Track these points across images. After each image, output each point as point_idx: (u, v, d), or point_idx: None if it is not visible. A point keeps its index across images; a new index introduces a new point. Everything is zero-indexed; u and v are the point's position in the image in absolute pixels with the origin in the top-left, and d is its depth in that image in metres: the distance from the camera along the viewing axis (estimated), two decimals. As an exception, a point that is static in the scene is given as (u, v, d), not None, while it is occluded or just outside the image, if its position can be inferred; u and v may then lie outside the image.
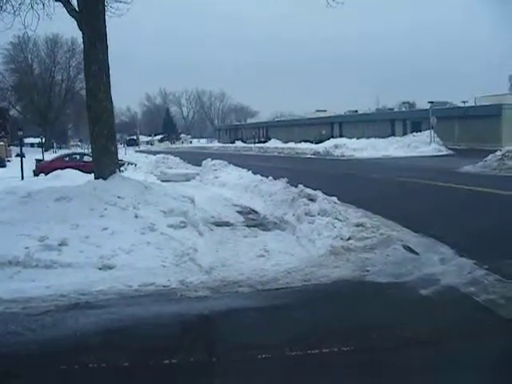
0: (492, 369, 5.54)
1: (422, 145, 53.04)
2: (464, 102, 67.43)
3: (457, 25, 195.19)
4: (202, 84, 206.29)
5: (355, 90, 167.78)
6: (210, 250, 10.74)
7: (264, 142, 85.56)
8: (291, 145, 69.55)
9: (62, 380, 5.61)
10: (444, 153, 49.33)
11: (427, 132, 55.87)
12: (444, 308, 7.44)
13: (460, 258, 9.58)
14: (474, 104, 67.36)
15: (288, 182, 17.38)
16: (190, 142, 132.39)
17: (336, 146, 54.82)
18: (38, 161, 38.58)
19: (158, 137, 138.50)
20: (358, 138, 60.78)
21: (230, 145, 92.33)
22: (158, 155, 50.14)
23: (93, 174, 14.26)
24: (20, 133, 40.99)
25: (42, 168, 32.06)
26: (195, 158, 43.15)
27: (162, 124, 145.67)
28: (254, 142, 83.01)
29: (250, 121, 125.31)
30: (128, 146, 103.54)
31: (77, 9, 14.00)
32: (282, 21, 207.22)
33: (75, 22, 14.08)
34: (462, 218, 14.09)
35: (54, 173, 22.43)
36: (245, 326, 7.04)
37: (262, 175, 21.33)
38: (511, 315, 6.95)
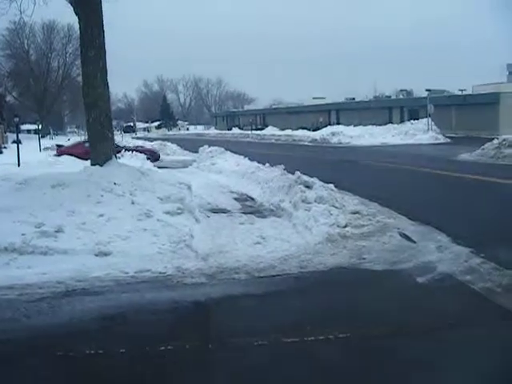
0: (488, 356, 5.55)
1: (420, 132, 52.93)
2: (462, 91, 67.27)
3: (456, 14, 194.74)
4: (200, 71, 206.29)
5: (353, 77, 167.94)
6: (206, 237, 10.74)
7: (261, 129, 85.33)
8: (288, 132, 69.34)
9: (59, 366, 5.62)
10: (441, 141, 49.25)
11: (424, 120, 55.79)
12: (440, 296, 7.46)
13: (456, 246, 9.60)
14: (471, 92, 67.27)
15: (285, 169, 17.34)
16: (187, 129, 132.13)
17: (333, 134, 54.71)
18: (58, 146, 38.63)
19: (155, 123, 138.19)
20: (355, 126, 60.61)
21: (227, 132, 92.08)
22: (154, 142, 50.09)
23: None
24: (16, 119, 40.80)
25: (62, 152, 32.08)
26: (192, 145, 43.13)
27: (159, 111, 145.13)
28: (251, 129, 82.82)
29: (247, 108, 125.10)
30: (125, 132, 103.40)
31: (72, -6, 13.91)
32: (281, 11, 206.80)
33: (71, 8, 14.00)
34: (459, 206, 14.11)
35: (50, 159, 22.44)
36: (241, 313, 7.07)
37: (258, 162, 21.33)
38: (507, 303, 6.97)
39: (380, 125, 59.27)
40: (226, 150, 28.45)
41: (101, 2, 13.99)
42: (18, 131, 38.55)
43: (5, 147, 53.65)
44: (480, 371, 5.24)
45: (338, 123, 72.69)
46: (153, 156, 31.75)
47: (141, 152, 31.55)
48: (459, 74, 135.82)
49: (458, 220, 12.15)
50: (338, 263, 9.05)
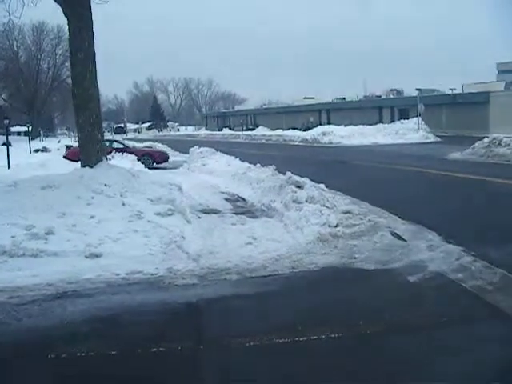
0: (479, 354, 5.57)
1: (410, 132, 53.03)
2: (452, 90, 67.47)
3: (445, 14, 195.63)
4: (190, 72, 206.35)
5: (343, 77, 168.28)
6: (197, 238, 10.73)
7: (252, 130, 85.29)
8: (279, 132, 69.23)
9: (51, 369, 5.60)
10: (432, 140, 49.37)
11: (415, 119, 55.90)
12: (432, 294, 7.48)
13: (447, 245, 9.62)
14: (461, 91, 67.49)
15: (276, 169, 17.38)
16: (178, 130, 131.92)
17: (324, 134, 54.71)
18: (67, 147, 38.53)
19: (146, 124, 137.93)
20: (345, 126, 60.62)
21: (218, 132, 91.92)
22: (145, 143, 49.99)
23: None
24: (6, 121, 40.68)
25: (72, 154, 32.02)
26: (183, 146, 43.06)
27: (150, 112, 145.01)
28: (242, 130, 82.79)
29: (237, 108, 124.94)
30: (115, 133, 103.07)
31: (61, -5, 13.85)
32: (271, 10, 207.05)
33: (60, 9, 13.94)
34: (450, 205, 14.13)
35: (40, 161, 22.40)
36: (233, 314, 7.06)
37: (249, 162, 21.33)
38: (498, 301, 7.00)
39: (370, 124, 59.30)
40: (217, 150, 28.43)
41: (90, 3, 13.95)
42: (8, 133, 38.39)
43: (-5, 149, 53.46)
44: (471, 368, 5.25)
45: (329, 123, 72.67)
46: (161, 157, 31.67)
47: (150, 154, 31.48)
48: (450, 73, 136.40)
49: (449, 219, 12.18)
50: (329, 263, 9.06)
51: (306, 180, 14.14)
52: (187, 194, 15.53)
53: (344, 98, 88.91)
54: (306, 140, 55.01)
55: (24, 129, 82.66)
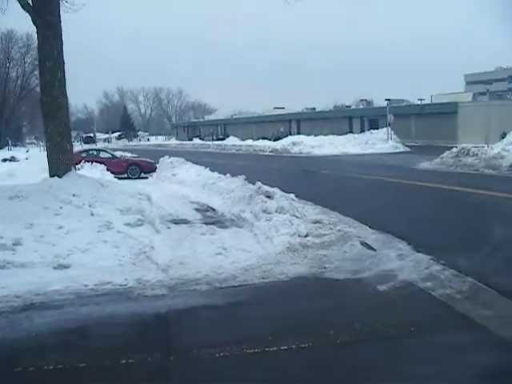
0: (448, 362, 5.59)
1: (380, 142, 53.47)
2: (421, 100, 68.21)
3: (415, 25, 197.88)
4: (160, 81, 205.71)
5: (313, 87, 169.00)
6: (167, 248, 10.67)
7: (222, 140, 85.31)
8: (249, 142, 69.42)
9: (17, 383, 5.52)
10: (401, 150, 49.84)
11: (384, 129, 56.42)
12: (401, 303, 7.52)
13: (417, 254, 9.70)
14: (430, 102, 68.21)
15: (246, 180, 17.38)
16: (148, 140, 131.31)
17: (294, 144, 54.92)
18: None
19: (116, 134, 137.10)
20: (315, 136, 60.93)
21: (188, 142, 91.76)
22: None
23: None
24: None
25: None
26: (153, 156, 42.74)
27: (120, 121, 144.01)
28: (212, 140, 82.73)
29: (207, 118, 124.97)
30: (85, 143, 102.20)
31: (30, 3, 13.73)
32: (242, 20, 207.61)
33: (29, 17, 13.83)
34: (419, 214, 14.27)
35: (8, 171, 22.12)
36: (202, 325, 7.02)
37: (219, 172, 21.33)
38: (467, 310, 7.06)
39: (340, 134, 59.73)
40: (187, 160, 28.38)
41: (59, 11, 13.85)
42: (-25, 143, 37.96)
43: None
44: (440, 377, 5.28)
45: (299, 133, 72.94)
46: (149, 167, 31.44)
47: (137, 163, 31.26)
48: (419, 84, 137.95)
49: (419, 228, 12.28)
50: (299, 273, 9.06)
51: (276, 190, 14.16)
52: (157, 204, 15.44)
53: (314, 108, 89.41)
54: (276, 150, 55.19)
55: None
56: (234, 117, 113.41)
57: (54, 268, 9.17)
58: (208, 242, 11.22)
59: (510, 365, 5.56)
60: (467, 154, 28.51)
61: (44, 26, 13.51)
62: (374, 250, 10.32)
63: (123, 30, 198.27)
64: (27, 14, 13.78)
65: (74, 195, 11.92)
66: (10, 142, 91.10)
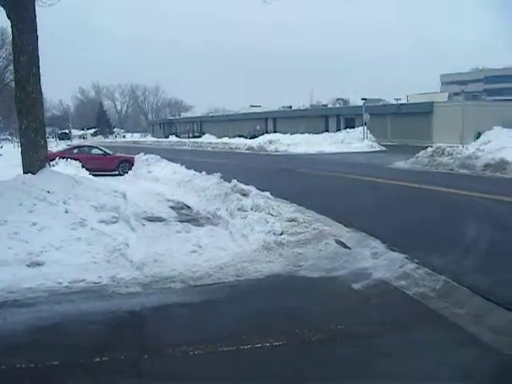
0: (422, 360, 5.64)
1: (355, 141, 53.74)
2: (397, 100, 68.61)
3: (391, 25, 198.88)
4: (136, 78, 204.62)
5: (290, 86, 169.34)
6: (141, 246, 10.60)
7: (198, 137, 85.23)
8: (225, 140, 69.45)
9: (-11, 380, 5.47)
10: (377, 149, 50.13)
11: (360, 128, 56.72)
12: (375, 302, 7.54)
13: (391, 252, 9.77)
14: (406, 102, 68.62)
15: (221, 177, 17.36)
16: (124, 137, 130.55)
17: (270, 142, 55.00)
18: None
19: (91, 131, 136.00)
20: (291, 134, 61.05)
21: (164, 139, 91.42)
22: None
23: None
24: None
25: (50, 157, 31.32)
26: (128, 153, 42.51)
27: (96, 118, 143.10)
28: (188, 137, 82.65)
29: (184, 115, 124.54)
30: (60, 139, 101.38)
31: (4, -4, 13.59)
32: (214, 17, 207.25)
33: (3, 11, 13.68)
34: (394, 213, 14.36)
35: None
36: (177, 322, 7.01)
37: (195, 170, 21.28)
38: (440, 308, 7.12)
39: (317, 133, 59.95)
40: (163, 157, 28.28)
41: (34, 5, 13.72)
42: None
43: None
44: (412, 374, 5.32)
45: (275, 131, 73.05)
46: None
47: (128, 160, 30.95)
48: (396, 84, 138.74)
49: (393, 227, 12.35)
50: (274, 271, 9.08)
51: (252, 188, 14.17)
52: (132, 201, 15.37)
53: (290, 107, 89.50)
54: (253, 148, 55.22)
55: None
56: (211, 114, 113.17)
57: (28, 265, 9.08)
58: (183, 240, 11.18)
59: (482, 361, 5.62)
60: (442, 154, 28.76)
61: (18, 20, 13.37)
62: (349, 248, 10.36)
63: (100, 26, 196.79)
64: (1, 8, 13.64)
65: (48, 192, 11.82)
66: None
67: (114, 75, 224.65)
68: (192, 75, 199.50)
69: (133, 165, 29.76)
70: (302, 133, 61.01)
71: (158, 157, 28.20)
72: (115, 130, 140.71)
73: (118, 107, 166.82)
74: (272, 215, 12.22)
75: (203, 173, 19.96)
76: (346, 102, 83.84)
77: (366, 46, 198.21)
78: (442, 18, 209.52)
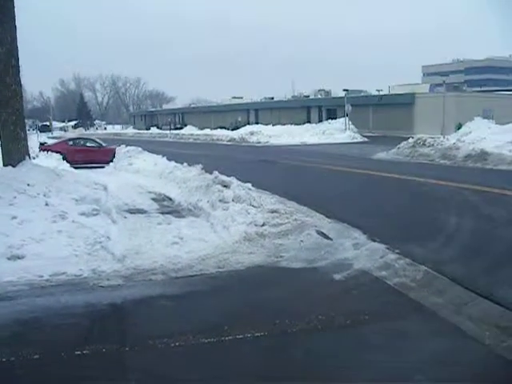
0: (402, 350, 5.68)
1: (337, 132, 53.88)
2: (378, 91, 68.78)
3: (372, 16, 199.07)
4: (118, 69, 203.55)
5: (272, 77, 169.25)
6: (123, 238, 10.56)
7: (180, 129, 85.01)
8: (207, 131, 69.31)
9: (-31, 375, 5.44)
10: (359, 140, 50.29)
11: (342, 119, 56.89)
12: (356, 292, 7.58)
13: (372, 243, 9.80)
14: (388, 93, 68.81)
15: (203, 169, 17.35)
16: (105, 129, 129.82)
17: (252, 133, 55.03)
18: (41, 144, 37.53)
19: (72, 123, 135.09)
20: (273, 125, 61.14)
21: (146, 131, 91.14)
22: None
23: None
24: None
25: (45, 149, 31.23)
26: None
27: (76, 110, 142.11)
28: (170, 129, 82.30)
29: (165, 107, 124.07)
30: (41, 132, 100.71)
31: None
32: (198, 10, 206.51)
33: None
34: (375, 204, 14.41)
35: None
36: (158, 314, 7.00)
37: (177, 162, 21.24)
38: (421, 298, 7.17)
39: (298, 124, 60.04)
40: (144, 149, 28.19)
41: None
42: None
43: None
44: (393, 363, 5.35)
45: (257, 123, 73.04)
46: None
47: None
48: (377, 75, 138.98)
49: (375, 217, 12.39)
50: (255, 262, 9.10)
51: (233, 179, 14.17)
52: (113, 193, 15.33)
53: (272, 98, 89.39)
54: (234, 139, 55.23)
55: None
56: (192, 106, 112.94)
57: (8, 259, 9.02)
58: (164, 232, 11.16)
59: (461, 350, 5.67)
60: (423, 145, 28.90)
61: (-4, 10, 13.25)
62: (330, 239, 10.39)
63: (81, 17, 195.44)
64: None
65: (28, 185, 11.77)
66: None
67: (95, 66, 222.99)
68: (174, 67, 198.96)
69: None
70: (283, 124, 61.10)
71: (140, 149, 28.11)
72: (96, 121, 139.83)
73: (99, 99, 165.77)
74: (253, 206, 12.23)
75: (185, 164, 19.95)
76: (327, 93, 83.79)
77: (348, 37, 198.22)
78: (425, 9, 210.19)
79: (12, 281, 8.15)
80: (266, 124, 63.68)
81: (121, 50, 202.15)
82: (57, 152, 28.60)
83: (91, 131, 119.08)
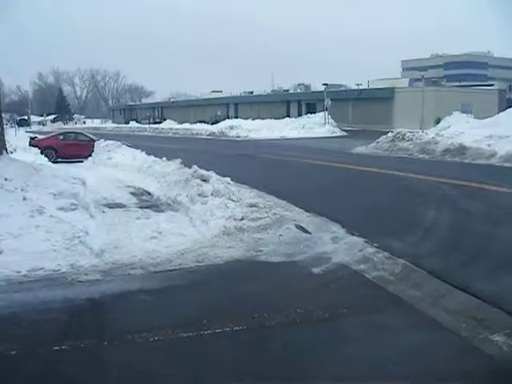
0: (379, 343, 5.72)
1: (317, 126, 53.97)
2: (358, 85, 68.98)
3: (354, 9, 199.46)
4: (97, 63, 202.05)
5: (251, 71, 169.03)
6: (101, 233, 10.51)
7: (159, 123, 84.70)
8: (186, 125, 69.21)
9: None
10: (338, 134, 50.44)
11: (322, 113, 56.96)
12: (335, 285, 7.63)
13: (351, 237, 9.84)
14: (367, 87, 69.03)
15: (182, 163, 17.31)
16: (84, 123, 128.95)
17: (231, 127, 55.02)
18: (31, 138, 37.28)
19: (51, 117, 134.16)
20: (253, 119, 61.13)
21: (125, 125, 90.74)
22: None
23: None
24: None
25: (35, 145, 31.01)
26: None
27: (55, 104, 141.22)
28: (149, 123, 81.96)
29: (144, 101, 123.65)
30: (19, 126, 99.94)
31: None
32: (179, 3, 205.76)
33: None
34: (354, 198, 14.47)
35: None
36: (137, 309, 6.99)
37: (156, 156, 21.18)
38: (399, 291, 7.22)
39: (278, 118, 60.05)
40: (123, 143, 28.05)
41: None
42: None
43: None
44: (371, 356, 5.38)
45: (237, 117, 72.96)
46: None
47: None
48: (357, 69, 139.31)
49: (353, 211, 12.44)
50: (234, 256, 9.11)
51: (212, 174, 14.15)
52: (91, 188, 15.25)
53: (252, 92, 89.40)
54: (214, 133, 55.21)
55: None
56: (172, 100, 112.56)
57: (-15, 254, 8.97)
58: (143, 226, 11.12)
59: (438, 343, 5.72)
60: (402, 139, 29.03)
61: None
62: (309, 233, 10.42)
63: (59, 10, 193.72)
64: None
65: (5, 179, 11.70)
66: None
67: (74, 60, 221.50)
68: (153, 60, 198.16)
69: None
70: (263, 118, 61.11)
71: (119, 143, 27.95)
72: (75, 116, 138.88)
73: (78, 93, 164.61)
74: (232, 200, 12.23)
75: (164, 159, 19.91)
76: (307, 87, 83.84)
77: (326, 31, 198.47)
78: (405, 4, 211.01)
79: (-11, 276, 8.10)
80: (246, 118, 63.66)
81: (100, 43, 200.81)
82: (48, 146, 28.56)
83: (70, 125, 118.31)
